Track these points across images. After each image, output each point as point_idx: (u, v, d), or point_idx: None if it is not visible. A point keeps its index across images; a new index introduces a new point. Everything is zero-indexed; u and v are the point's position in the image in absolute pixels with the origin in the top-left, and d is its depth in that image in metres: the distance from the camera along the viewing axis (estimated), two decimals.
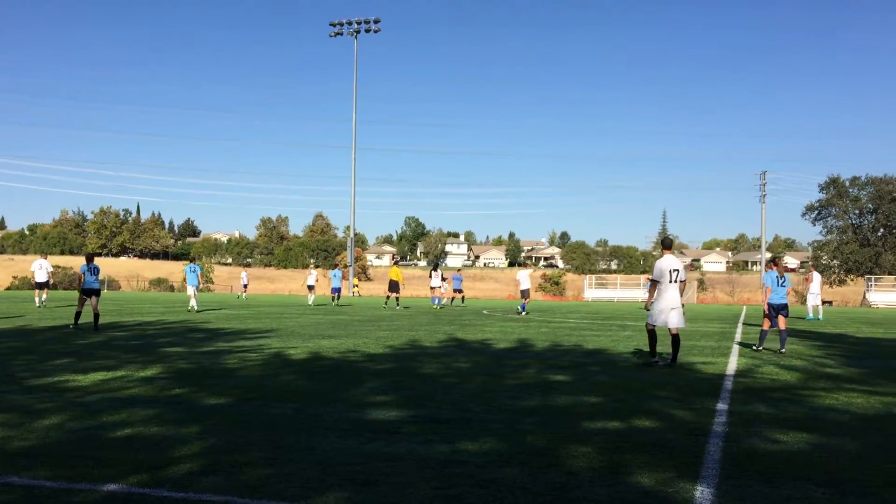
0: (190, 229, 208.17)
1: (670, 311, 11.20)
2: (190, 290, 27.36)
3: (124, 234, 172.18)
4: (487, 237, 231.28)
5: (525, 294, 29.79)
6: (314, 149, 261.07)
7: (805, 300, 29.53)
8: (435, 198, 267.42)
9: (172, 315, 23.48)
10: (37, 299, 28.05)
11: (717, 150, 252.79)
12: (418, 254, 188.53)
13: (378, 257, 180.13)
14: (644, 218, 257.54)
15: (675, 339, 11.30)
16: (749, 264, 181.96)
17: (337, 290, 37.66)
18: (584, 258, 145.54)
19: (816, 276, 29.51)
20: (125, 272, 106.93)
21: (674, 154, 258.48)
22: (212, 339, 14.32)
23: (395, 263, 35.80)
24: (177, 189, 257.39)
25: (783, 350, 13.40)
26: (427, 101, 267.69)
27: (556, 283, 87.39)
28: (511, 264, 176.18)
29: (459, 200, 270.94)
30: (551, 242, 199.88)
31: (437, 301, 35.52)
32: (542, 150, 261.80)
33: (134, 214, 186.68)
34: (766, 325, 14.04)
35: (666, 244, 11.74)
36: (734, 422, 6.73)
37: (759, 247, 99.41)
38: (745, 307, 47.76)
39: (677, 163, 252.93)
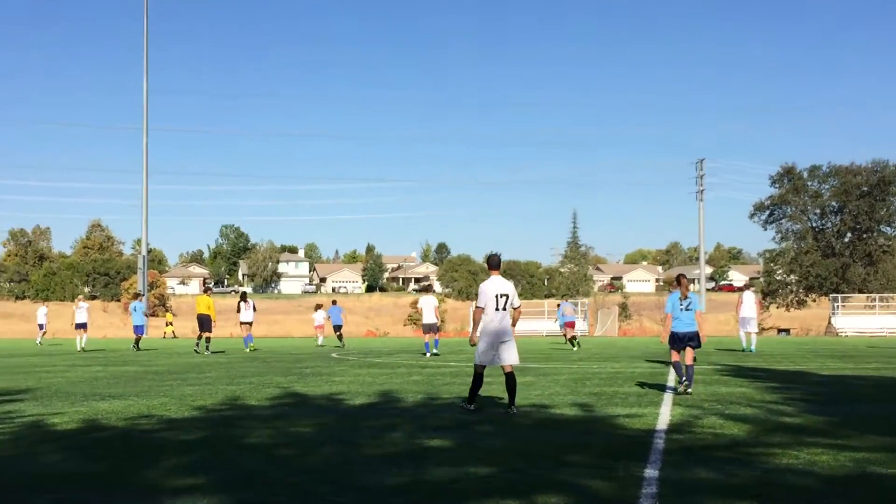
0: None
1: (500, 345, 12.24)
2: None
3: None
4: (337, 252, 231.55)
5: (431, 329, 30.04)
6: (86, 133, 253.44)
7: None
8: (263, 198, 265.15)
9: None
10: None
11: (645, 133, 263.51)
12: (240, 276, 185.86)
13: (183, 282, 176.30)
14: (549, 224, 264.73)
15: (510, 378, 12.43)
16: None
17: (140, 330, 37.10)
18: (468, 278, 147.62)
19: (748, 297, 31.70)
20: None
21: (587, 138, 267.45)
22: None
23: (206, 291, 35.21)
24: None
25: (689, 391, 14.56)
26: (243, 66, 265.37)
27: None
28: (371, 288, 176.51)
29: (297, 202, 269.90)
30: (425, 258, 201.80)
31: (249, 340, 35.94)
32: (408, 131, 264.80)
33: None
34: (675, 356, 15.13)
35: (492, 263, 12.80)
36: (667, 492, 6.98)
37: (697, 258, 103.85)
38: None
39: (592, 150, 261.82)
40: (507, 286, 12.55)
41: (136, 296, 33.67)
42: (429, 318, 30.10)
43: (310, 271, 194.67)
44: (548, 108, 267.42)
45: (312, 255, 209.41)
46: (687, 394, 14.46)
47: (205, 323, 32.92)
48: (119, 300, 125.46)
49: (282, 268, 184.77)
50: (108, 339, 56.43)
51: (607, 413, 12.10)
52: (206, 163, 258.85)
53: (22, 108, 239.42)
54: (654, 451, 8.86)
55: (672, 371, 14.82)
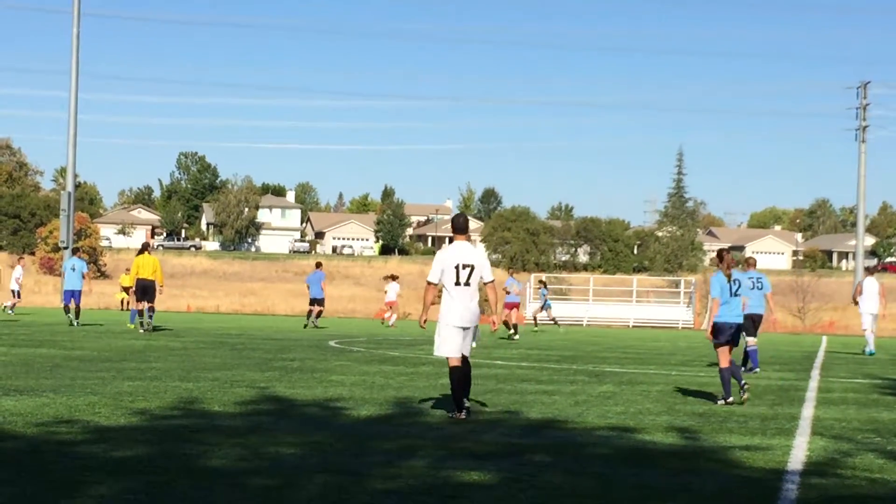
0: None
1: (465, 331, 13.66)
2: None
3: None
4: (341, 197, 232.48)
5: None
6: None
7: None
8: (237, 115, 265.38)
9: None
10: None
11: (779, 43, 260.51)
12: (203, 226, 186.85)
13: (124, 231, 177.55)
14: (643, 169, 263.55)
15: (463, 370, 13.67)
16: (834, 256, 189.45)
17: (72, 296, 37.31)
18: (525, 241, 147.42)
19: (869, 284, 33.53)
20: None
21: (701, 46, 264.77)
22: None
23: (145, 249, 35.32)
24: None
25: (744, 394, 16.14)
26: None
27: None
28: (387, 250, 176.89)
29: (287, 122, 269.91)
30: (464, 208, 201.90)
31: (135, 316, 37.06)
32: (446, 23, 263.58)
33: None
34: (724, 360, 16.28)
35: (457, 225, 14.03)
36: None
37: (852, 224, 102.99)
38: (824, 338, 49.68)
39: (704, 67, 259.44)
40: (475, 254, 13.62)
41: (76, 251, 34.58)
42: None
43: (302, 223, 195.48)
44: (639, 14, 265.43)
45: (306, 201, 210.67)
46: (743, 394, 16.09)
47: (149, 290, 33.62)
48: (34, 253, 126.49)
49: (262, 216, 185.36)
50: (22, 307, 56.77)
51: (717, 443, 12.03)
52: (159, 63, 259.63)
53: None
54: (784, 502, 8.80)
55: (722, 378, 16.49)
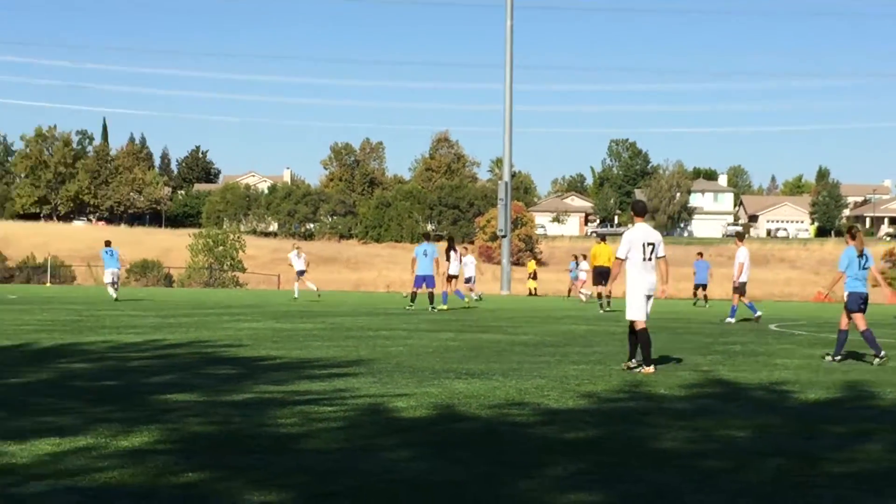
0: (200, 168, 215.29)
1: (647, 298, 16.26)
2: (109, 277, 43.88)
3: (81, 179, 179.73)
4: (774, 180, 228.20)
5: None
6: (432, 9, 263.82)
7: None
8: (664, 101, 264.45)
9: (175, 331, 24.38)
10: None
11: None
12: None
13: (558, 219, 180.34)
14: None
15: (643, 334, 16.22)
16: None
17: (423, 281, 38.22)
18: None
19: None
20: (84, 249, 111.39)
21: None
22: (248, 378, 14.71)
23: (602, 238, 37.16)
24: (174, 91, 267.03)
25: (882, 356, 18.25)
26: None
27: None
28: (823, 232, 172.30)
29: (712, 106, 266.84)
30: None
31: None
32: None
33: (98, 141, 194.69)
34: (862, 324, 18.53)
35: (637, 209, 16.76)
36: None
37: None
38: None
39: None
40: (654, 234, 16.31)
41: (426, 237, 37.89)
42: None
43: (735, 206, 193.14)
44: None
45: (738, 184, 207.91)
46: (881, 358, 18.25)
47: (605, 276, 35.97)
48: (472, 242, 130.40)
49: (695, 200, 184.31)
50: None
51: None
52: (590, 52, 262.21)
53: None
54: None
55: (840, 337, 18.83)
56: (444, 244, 41.48)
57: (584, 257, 57.69)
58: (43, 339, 21.23)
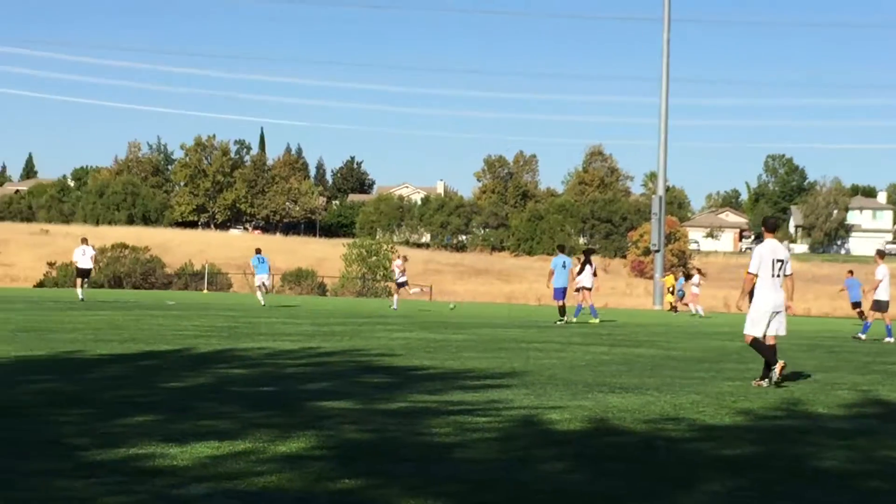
0: (355, 178, 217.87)
1: (773, 315, 16.34)
2: (259, 280, 46.97)
3: (238, 188, 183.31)
4: None
5: None
6: (586, 25, 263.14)
7: None
8: (824, 116, 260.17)
9: (329, 339, 24.67)
10: (79, 290, 42.63)
11: None
12: (791, 228, 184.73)
13: (712, 235, 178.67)
14: None
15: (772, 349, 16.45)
16: None
17: (562, 293, 38.14)
18: None
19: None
20: (239, 257, 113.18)
21: None
22: (402, 387, 14.83)
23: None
24: (329, 102, 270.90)
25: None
26: None
27: None
28: None
29: (873, 122, 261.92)
30: None
31: (594, 312, 39.72)
32: None
33: (255, 150, 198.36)
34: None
35: (769, 225, 17.12)
36: None
37: None
38: None
39: None
40: (784, 251, 16.52)
41: (562, 248, 38.25)
42: None
43: (894, 224, 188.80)
44: None
45: None
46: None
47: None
48: (625, 256, 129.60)
49: (853, 217, 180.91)
50: (610, 308, 58.55)
51: None
52: (746, 66, 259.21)
53: None
54: None
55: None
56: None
57: (699, 271, 59.21)
58: (201, 344, 21.72)
